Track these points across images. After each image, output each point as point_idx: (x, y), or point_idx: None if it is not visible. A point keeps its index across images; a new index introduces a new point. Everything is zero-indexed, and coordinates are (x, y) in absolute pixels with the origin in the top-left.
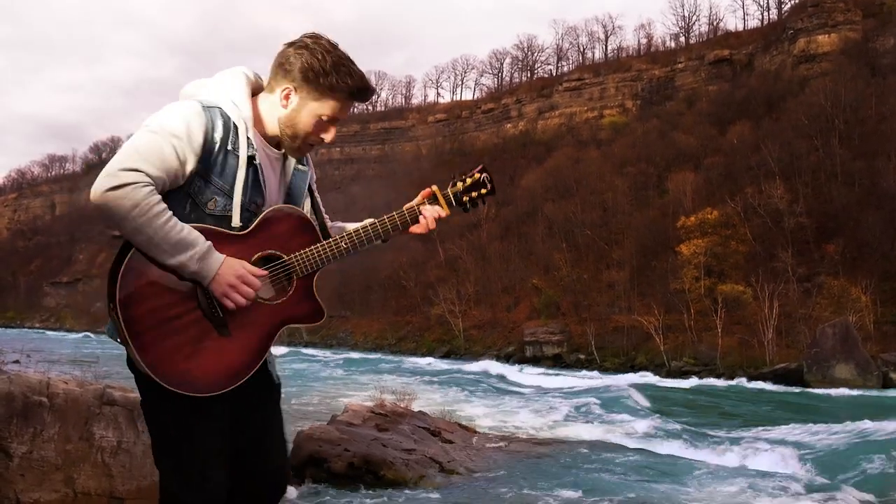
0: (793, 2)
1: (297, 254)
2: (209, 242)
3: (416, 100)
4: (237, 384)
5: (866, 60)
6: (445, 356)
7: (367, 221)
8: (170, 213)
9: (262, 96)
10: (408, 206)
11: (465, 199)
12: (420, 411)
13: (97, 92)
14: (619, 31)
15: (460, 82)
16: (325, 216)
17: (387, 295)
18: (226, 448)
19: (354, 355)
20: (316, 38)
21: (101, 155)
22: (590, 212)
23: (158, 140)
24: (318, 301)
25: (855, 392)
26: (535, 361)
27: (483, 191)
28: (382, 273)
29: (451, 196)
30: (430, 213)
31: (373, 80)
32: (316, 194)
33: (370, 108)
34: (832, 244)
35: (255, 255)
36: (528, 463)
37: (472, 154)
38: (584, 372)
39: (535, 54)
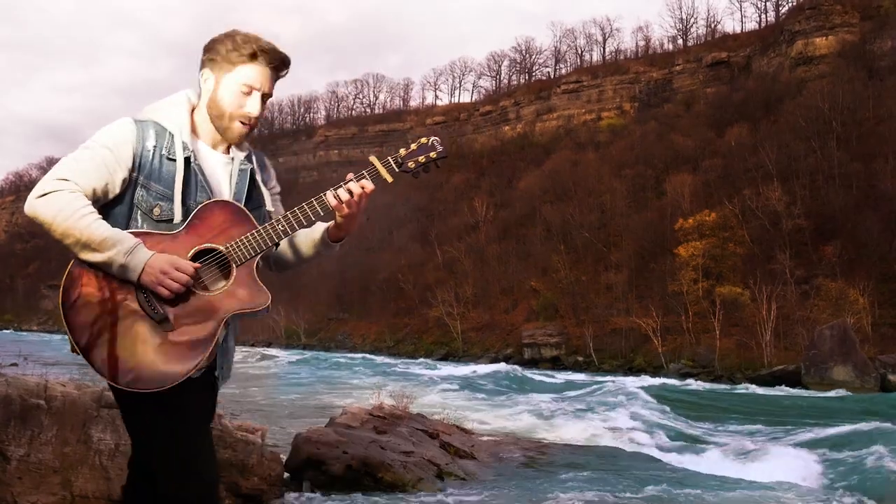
0: (790, 4)
1: (231, 243)
2: (138, 239)
3: (414, 102)
4: (188, 376)
5: (864, 63)
6: (444, 358)
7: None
8: (96, 214)
9: (197, 108)
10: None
11: (411, 163)
12: (418, 414)
13: (94, 93)
14: (616, 34)
15: (458, 85)
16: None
17: (385, 297)
18: (208, 440)
19: (352, 357)
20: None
21: None
22: (588, 214)
23: (88, 152)
24: (260, 286)
25: (853, 394)
26: (534, 363)
27: (432, 154)
28: (380, 275)
29: (392, 162)
30: (354, 188)
31: (371, 83)
32: (263, 188)
33: (368, 110)
34: (830, 246)
35: (192, 251)
36: (527, 466)
37: (471, 156)
38: (582, 374)
39: (533, 57)
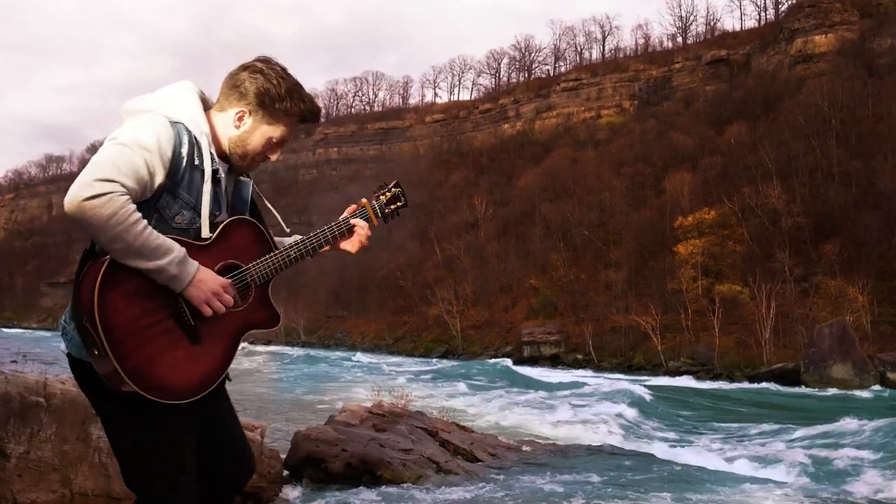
0: (790, 2)
1: (254, 263)
2: (184, 248)
3: (414, 100)
4: (209, 390)
5: (863, 61)
6: (443, 356)
7: (311, 233)
8: (145, 221)
9: (212, 113)
10: (342, 217)
11: (387, 211)
12: (417, 411)
13: (93, 93)
14: (616, 32)
15: (458, 82)
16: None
17: (384, 295)
18: (192, 458)
19: (352, 355)
20: (269, 62)
21: None
22: (587, 212)
23: (129, 153)
24: (273, 307)
25: (852, 392)
26: (533, 361)
27: (399, 203)
28: (380, 273)
29: (378, 208)
30: (362, 230)
31: (370, 80)
32: (262, 202)
33: (368, 107)
34: (829, 244)
35: (218, 265)
36: (525, 463)
37: (470, 154)
38: (581, 372)
39: (533, 54)
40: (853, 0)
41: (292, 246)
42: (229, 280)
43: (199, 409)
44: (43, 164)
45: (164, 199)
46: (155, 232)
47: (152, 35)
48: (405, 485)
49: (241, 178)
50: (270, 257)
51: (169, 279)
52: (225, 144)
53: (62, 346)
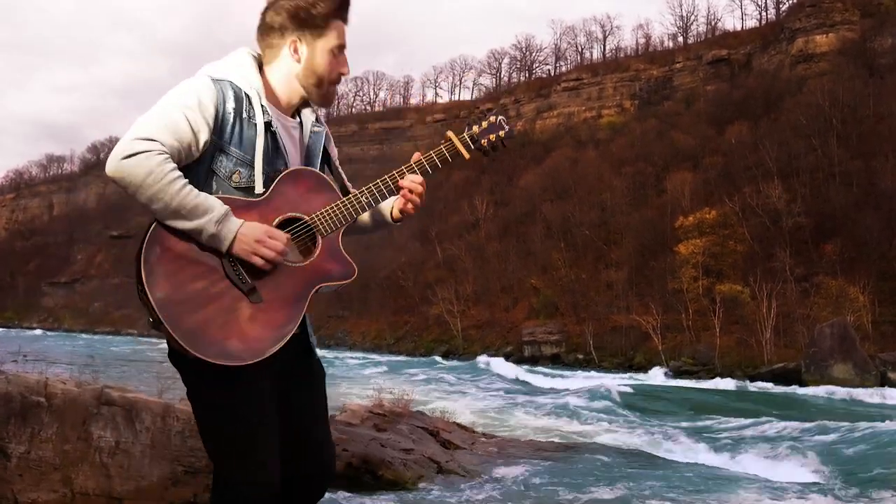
0: (791, 2)
1: (317, 213)
2: (227, 207)
3: (415, 100)
4: (275, 349)
5: (864, 60)
6: (444, 356)
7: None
8: (185, 179)
9: (267, 69)
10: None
11: (484, 141)
12: (418, 411)
13: (93, 93)
14: (617, 32)
15: (458, 82)
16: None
17: (385, 295)
18: (275, 432)
19: (352, 355)
20: None
21: (99, 155)
22: (588, 212)
23: (170, 111)
24: (346, 258)
25: (853, 391)
26: (534, 361)
27: (501, 133)
28: (381, 273)
29: (468, 139)
30: (411, 183)
31: (371, 80)
32: (333, 153)
33: (369, 107)
34: (830, 244)
35: (276, 220)
36: (527, 463)
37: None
38: (582, 372)
39: (534, 54)
40: (854, 0)
41: (361, 192)
42: (283, 231)
43: (275, 377)
44: (44, 163)
45: (217, 158)
46: (195, 191)
47: (152, 35)
48: (406, 485)
49: (315, 129)
50: (336, 206)
51: (210, 238)
52: (289, 92)
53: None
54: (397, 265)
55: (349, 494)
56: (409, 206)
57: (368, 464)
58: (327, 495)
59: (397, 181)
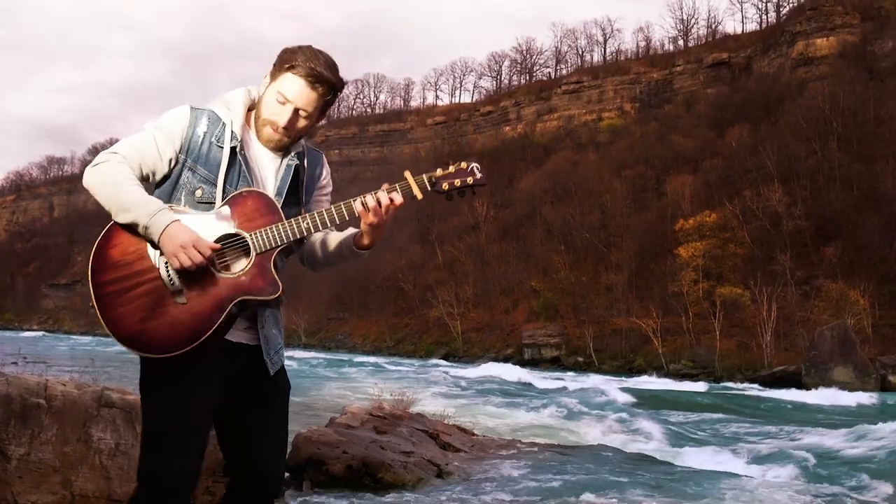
0: (791, 5)
1: (255, 231)
2: (166, 205)
3: (415, 102)
4: (183, 351)
5: (864, 64)
6: (444, 358)
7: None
8: (135, 180)
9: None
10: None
11: (445, 185)
12: (418, 414)
13: (91, 94)
14: (617, 34)
15: (459, 85)
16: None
17: (385, 297)
18: (203, 434)
19: (353, 357)
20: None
21: None
22: (588, 214)
23: (143, 133)
24: (274, 278)
25: (853, 395)
26: (534, 364)
27: (469, 180)
28: (381, 275)
29: (426, 180)
30: (382, 198)
31: (371, 83)
32: (307, 185)
33: (369, 110)
34: (830, 247)
35: (220, 233)
36: (527, 466)
37: (471, 156)
38: (582, 374)
39: (534, 57)
40: (854, 3)
41: (303, 217)
42: (216, 244)
43: (221, 387)
44: (44, 165)
45: (184, 175)
46: (140, 190)
47: (150, 37)
48: (406, 487)
49: (288, 162)
50: (275, 227)
51: (144, 231)
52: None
53: None
54: (397, 267)
55: (349, 496)
56: (370, 218)
57: (368, 466)
58: (329, 497)
59: (342, 212)
